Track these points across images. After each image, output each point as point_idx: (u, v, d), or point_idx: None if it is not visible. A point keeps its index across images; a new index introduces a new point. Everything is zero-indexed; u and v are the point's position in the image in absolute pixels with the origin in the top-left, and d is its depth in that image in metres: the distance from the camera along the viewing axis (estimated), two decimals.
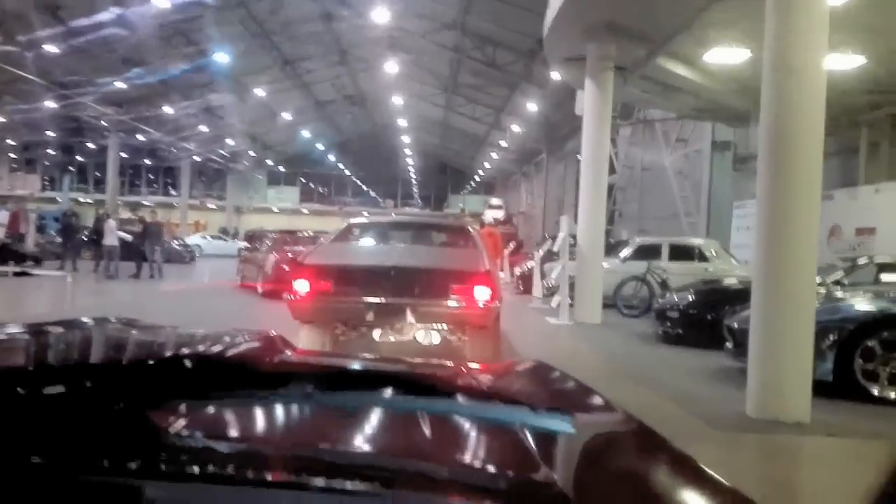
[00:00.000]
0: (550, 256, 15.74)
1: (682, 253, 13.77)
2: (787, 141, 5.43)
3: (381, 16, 24.19)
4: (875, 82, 13.49)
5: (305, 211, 59.34)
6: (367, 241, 7.41)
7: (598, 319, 11.39)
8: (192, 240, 33.65)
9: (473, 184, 62.93)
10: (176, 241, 27.89)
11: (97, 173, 53.79)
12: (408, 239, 7.58)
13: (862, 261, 9.31)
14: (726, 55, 11.73)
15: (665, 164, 24.09)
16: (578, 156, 38.27)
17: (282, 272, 13.59)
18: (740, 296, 9.03)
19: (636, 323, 11.55)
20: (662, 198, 24.83)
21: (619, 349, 9.05)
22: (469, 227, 8.14)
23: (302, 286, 5.77)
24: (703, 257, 13.62)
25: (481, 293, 5.79)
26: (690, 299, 9.18)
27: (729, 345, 7.45)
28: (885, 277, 8.74)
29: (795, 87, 5.38)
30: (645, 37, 11.41)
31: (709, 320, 8.96)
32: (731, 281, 9.98)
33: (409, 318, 5.69)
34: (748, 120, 17.90)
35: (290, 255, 13.95)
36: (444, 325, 6.06)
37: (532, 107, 32.56)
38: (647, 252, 13.72)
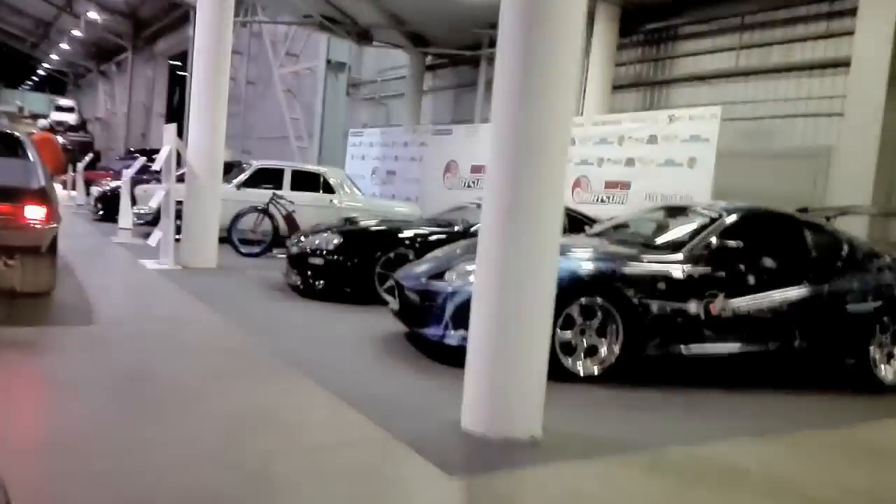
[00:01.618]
0: (142, 177, 12.38)
1: (306, 181, 11.76)
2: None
3: None
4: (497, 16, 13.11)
5: None
6: None
7: (214, 263, 8.76)
8: None
9: (37, 78, 51.54)
10: None
11: None
12: None
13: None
14: None
15: (274, 79, 21.64)
16: (174, 61, 33.48)
17: None
18: (395, 240, 7.50)
19: (260, 267, 9.24)
20: (270, 117, 22.45)
21: (251, 308, 6.68)
22: (16, 133, 6.82)
23: None
24: (328, 188, 11.83)
25: (29, 212, 5.16)
26: (337, 242, 7.23)
27: (394, 305, 5.76)
28: None
29: None
30: None
31: (362, 270, 7.18)
32: (374, 221, 8.30)
33: None
34: (370, 39, 16.54)
35: None
36: None
37: None
38: (267, 178, 11.40)
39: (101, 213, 13.64)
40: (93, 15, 29.58)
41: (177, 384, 4.14)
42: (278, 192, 10.53)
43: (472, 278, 4.68)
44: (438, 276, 5.38)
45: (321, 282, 7.22)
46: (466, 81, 16.36)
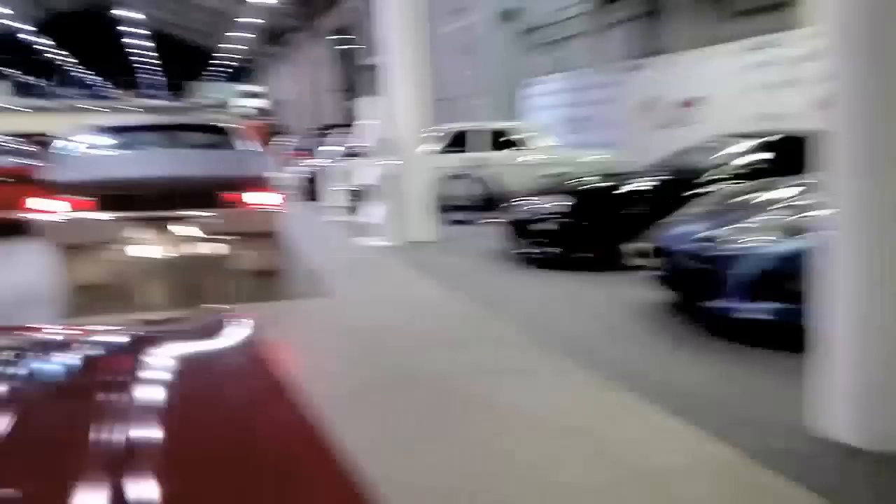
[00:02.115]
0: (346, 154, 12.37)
1: (502, 140, 11.19)
2: None
3: None
4: None
5: (19, 108, 48.11)
6: (122, 149, 6.55)
7: (434, 235, 8.46)
8: None
9: (224, 69, 55.37)
10: None
11: None
12: (167, 143, 6.88)
13: None
14: None
15: (438, 38, 21.11)
16: (335, 35, 34.24)
17: None
18: (636, 197, 6.69)
19: (478, 236, 8.82)
20: (436, 78, 22.01)
21: (489, 284, 6.22)
22: (236, 126, 7.17)
23: (56, 205, 5.14)
24: (520, 144, 11.16)
25: (260, 198, 5.37)
26: (571, 204, 6.56)
27: (658, 271, 5.01)
28: None
29: None
30: None
31: (601, 233, 6.47)
32: (598, 177, 7.49)
33: (182, 231, 5.20)
34: None
35: None
36: (221, 235, 5.40)
37: None
38: (463, 141, 10.94)
39: (311, 192, 13.77)
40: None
41: (449, 383, 3.73)
42: (478, 155, 10.04)
43: (775, 236, 4.01)
44: (716, 236, 4.54)
45: (556, 249, 6.60)
46: (654, 8, 14.80)
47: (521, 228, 7.03)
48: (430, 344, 4.47)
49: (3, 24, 43.17)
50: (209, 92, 53.96)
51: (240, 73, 53.98)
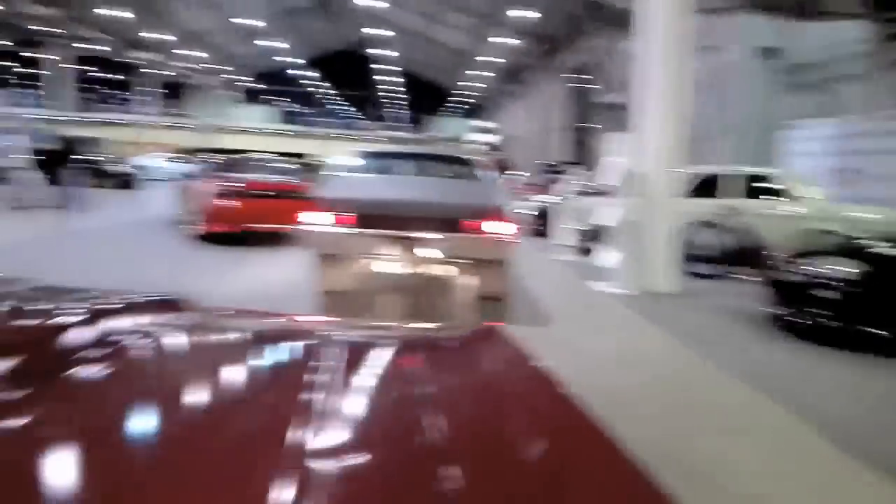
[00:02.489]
0: (581, 191, 11.87)
1: (758, 188, 9.98)
2: None
3: None
4: None
5: (280, 132, 54.33)
6: (377, 173, 7.10)
7: (675, 287, 7.64)
8: (144, 161, 28.97)
9: (459, 105, 58.07)
10: (113, 163, 23.25)
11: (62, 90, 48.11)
12: (417, 171, 7.41)
13: None
14: None
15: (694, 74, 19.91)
16: (570, 74, 34.20)
17: (223, 208, 9.62)
18: None
19: (725, 292, 7.82)
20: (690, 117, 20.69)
21: (752, 354, 5.25)
22: (477, 158, 7.51)
23: (322, 219, 5.59)
24: (779, 193, 9.84)
25: (496, 227, 5.60)
26: (863, 270, 5.42)
27: None
28: None
29: None
30: None
31: None
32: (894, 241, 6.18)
33: (423, 252, 5.56)
34: (811, 12, 13.81)
35: (235, 185, 9.94)
36: (457, 259, 5.74)
37: (524, 14, 28.01)
38: (712, 186, 9.90)
39: (539, 227, 13.48)
40: (504, 39, 31.57)
41: (722, 481, 2.97)
42: (734, 203, 8.96)
43: None
44: None
45: (836, 321, 5.48)
46: None
47: (788, 291, 5.97)
48: (680, 422, 3.74)
49: (279, 59, 49.13)
50: (444, 126, 56.74)
51: (474, 110, 56.14)
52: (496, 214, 5.73)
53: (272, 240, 10.21)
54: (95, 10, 32.06)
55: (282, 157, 14.41)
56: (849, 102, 14.86)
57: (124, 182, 21.44)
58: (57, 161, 13.93)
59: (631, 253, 7.45)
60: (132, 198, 19.36)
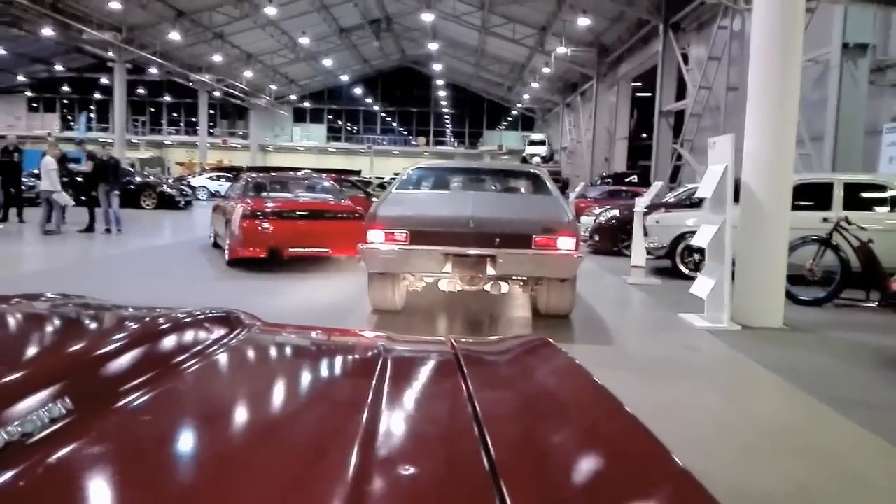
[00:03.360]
0: (658, 206, 10.54)
1: (863, 197, 8.49)
2: None
3: None
4: None
5: (332, 150, 54.16)
6: (437, 189, 6.93)
7: (780, 319, 6.22)
8: (200, 181, 28.66)
9: (510, 118, 56.80)
10: (171, 183, 22.94)
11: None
12: (480, 186, 7.23)
13: None
14: None
15: None
16: (632, 84, 32.62)
17: (254, 231, 8.62)
18: None
19: (844, 324, 6.39)
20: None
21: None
22: (542, 173, 7.07)
23: (377, 237, 5.48)
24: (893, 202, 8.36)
25: (563, 244, 5.37)
26: None
27: None
28: None
29: None
30: None
31: None
32: None
33: (488, 269, 5.40)
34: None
35: (265, 205, 8.92)
36: (520, 277, 5.66)
37: (583, 22, 26.68)
38: (815, 196, 8.44)
39: (597, 243, 12.25)
40: (561, 50, 30.28)
41: None
42: (844, 216, 7.48)
43: None
44: None
45: None
46: None
47: None
48: None
49: (332, 77, 48.97)
50: (496, 140, 55.62)
51: (527, 122, 54.84)
52: (562, 230, 5.43)
53: (316, 265, 9.22)
54: (156, 36, 32.22)
55: (331, 175, 13.40)
56: None
57: (170, 201, 20.97)
58: (95, 182, 13.26)
59: (729, 278, 6.06)
60: (176, 218, 18.79)
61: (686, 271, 9.21)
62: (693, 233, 9.18)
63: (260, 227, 8.58)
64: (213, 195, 23.94)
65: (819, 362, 5.07)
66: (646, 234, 9.31)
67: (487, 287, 5.60)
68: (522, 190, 7.00)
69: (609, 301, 7.64)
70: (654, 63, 25.67)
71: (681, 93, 24.55)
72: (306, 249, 8.80)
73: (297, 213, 8.90)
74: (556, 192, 6.55)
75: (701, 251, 9.24)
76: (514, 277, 5.64)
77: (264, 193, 9.75)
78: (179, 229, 16.23)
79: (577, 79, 36.73)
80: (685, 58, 23.62)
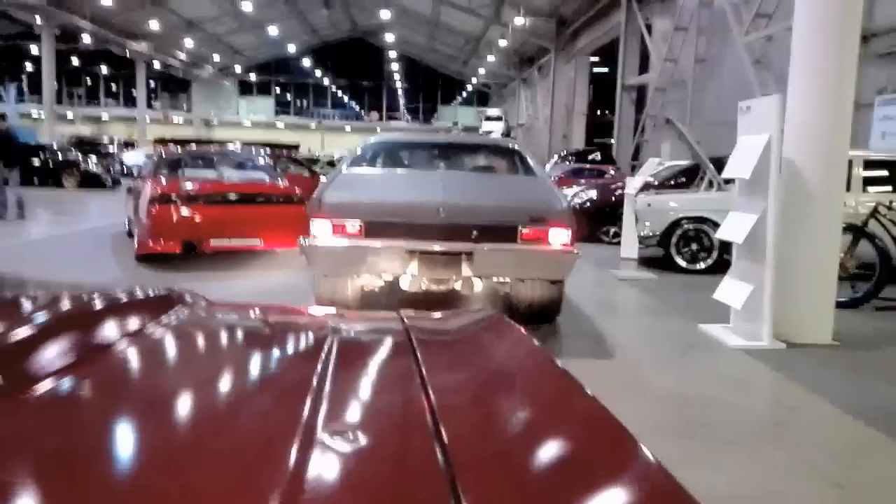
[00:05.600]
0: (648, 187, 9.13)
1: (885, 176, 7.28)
2: None
3: None
4: None
5: (281, 125, 51.60)
6: (399, 168, 5.74)
7: (829, 334, 4.86)
8: (133, 158, 26.23)
9: (465, 94, 55.04)
10: (97, 161, 20.65)
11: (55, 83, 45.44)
12: (450, 164, 5.79)
13: None
14: None
15: (738, 49, 17.05)
16: (592, 57, 31.32)
17: (166, 220, 6.89)
18: None
19: (893, 331, 5.10)
20: (721, 97, 17.91)
21: None
22: (522, 150, 5.78)
23: (322, 229, 4.41)
24: None
25: (555, 237, 4.41)
26: None
27: None
28: None
29: None
30: None
31: None
32: None
33: (463, 269, 4.41)
34: None
35: (184, 187, 7.17)
36: (504, 277, 4.68)
37: None
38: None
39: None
40: (519, 20, 28.68)
41: None
42: (882, 202, 6.19)
43: None
44: None
45: None
46: None
47: None
48: None
49: (280, 48, 46.33)
50: (449, 116, 53.92)
51: (482, 98, 53.23)
52: (559, 220, 4.45)
53: (247, 260, 7.56)
54: None
55: (263, 148, 11.59)
56: None
57: (95, 180, 18.75)
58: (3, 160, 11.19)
59: (771, 283, 4.65)
60: (97, 200, 16.65)
61: (683, 263, 7.87)
62: (691, 218, 7.86)
63: (173, 215, 6.83)
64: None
65: (871, 390, 3.75)
66: (638, 220, 7.92)
67: (458, 286, 4.65)
68: (502, 169, 5.76)
69: (602, 304, 6.21)
70: (615, 35, 24.37)
71: (643, 66, 23.35)
72: (232, 241, 7.11)
73: (221, 196, 7.16)
74: (542, 171, 5.50)
75: (699, 239, 7.93)
76: (492, 278, 4.71)
77: (180, 172, 7.93)
78: (95, 213, 14.16)
79: (534, 52, 35.23)
80: (649, 29, 22.36)
